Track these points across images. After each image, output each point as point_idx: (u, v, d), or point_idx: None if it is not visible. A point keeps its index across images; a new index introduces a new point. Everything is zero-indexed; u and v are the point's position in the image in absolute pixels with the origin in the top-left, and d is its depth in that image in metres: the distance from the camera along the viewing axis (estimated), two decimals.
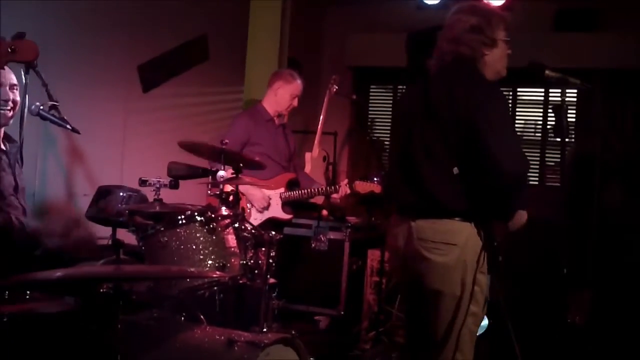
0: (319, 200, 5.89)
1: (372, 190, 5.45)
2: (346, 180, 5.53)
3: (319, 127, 6.38)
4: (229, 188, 4.13)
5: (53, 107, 3.59)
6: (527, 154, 7.09)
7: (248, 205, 5.17)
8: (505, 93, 7.28)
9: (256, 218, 5.19)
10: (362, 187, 5.46)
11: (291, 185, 5.44)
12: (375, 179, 5.52)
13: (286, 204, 5.38)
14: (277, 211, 5.32)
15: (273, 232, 3.82)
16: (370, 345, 5.57)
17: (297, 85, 5.40)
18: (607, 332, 5.07)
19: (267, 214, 5.26)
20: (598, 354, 4.85)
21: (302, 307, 5.74)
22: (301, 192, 5.42)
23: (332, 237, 5.77)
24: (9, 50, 2.64)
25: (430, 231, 3.20)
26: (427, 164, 3.21)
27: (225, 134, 5.11)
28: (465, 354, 3.22)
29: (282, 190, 5.34)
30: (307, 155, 6.52)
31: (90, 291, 2.87)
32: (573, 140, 6.57)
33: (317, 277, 5.81)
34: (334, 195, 5.71)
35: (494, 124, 3.06)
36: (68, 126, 3.65)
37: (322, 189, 5.53)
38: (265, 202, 5.21)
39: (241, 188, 4.87)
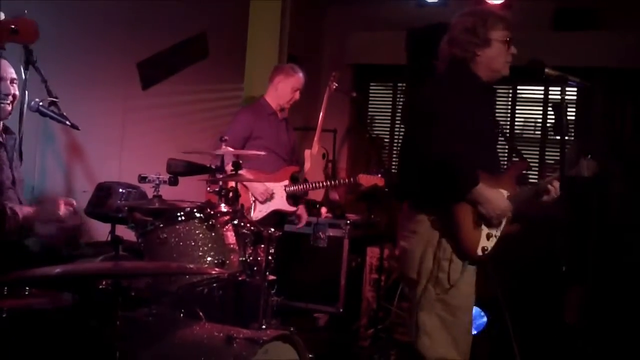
0: (319, 197, 5.89)
1: (376, 183, 5.48)
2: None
3: (318, 124, 6.39)
4: (231, 183, 4.15)
5: (52, 103, 3.60)
6: (526, 152, 7.21)
7: (252, 198, 5.17)
8: (504, 91, 7.36)
9: (261, 210, 5.20)
10: (366, 180, 5.50)
11: (294, 177, 5.46)
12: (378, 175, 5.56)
13: (290, 197, 5.39)
14: (281, 203, 5.33)
15: (272, 229, 3.82)
16: (369, 343, 5.58)
17: (299, 78, 5.39)
18: (605, 330, 5.09)
19: (271, 206, 5.26)
20: (596, 354, 4.86)
21: (301, 304, 5.74)
22: (305, 185, 5.44)
23: (331, 234, 5.77)
24: (11, 29, 2.53)
25: (404, 222, 3.41)
26: (403, 160, 3.53)
27: (226, 130, 5.10)
28: (437, 341, 3.29)
29: (286, 182, 5.35)
30: (307, 152, 6.52)
31: (90, 287, 2.87)
32: (573, 138, 6.58)
33: (316, 274, 5.81)
34: (333, 196, 5.77)
35: (430, 114, 3.22)
36: (67, 122, 3.66)
37: (325, 183, 5.59)
38: (267, 194, 5.21)
39: (244, 182, 4.90)
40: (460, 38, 3.38)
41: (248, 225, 3.87)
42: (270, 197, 5.23)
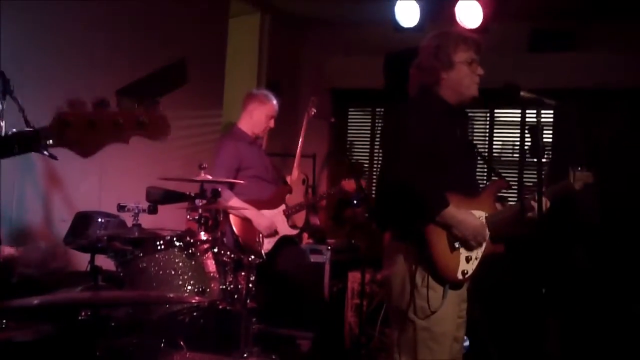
0: (299, 223, 5.89)
1: (355, 187, 5.57)
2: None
3: (298, 150, 6.39)
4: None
5: None
6: (505, 175, 7.23)
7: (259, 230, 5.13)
8: (482, 115, 7.41)
9: (270, 241, 5.18)
10: (349, 185, 5.59)
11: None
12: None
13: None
14: (285, 229, 5.34)
15: (252, 257, 3.80)
16: None
17: (272, 106, 5.36)
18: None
19: (278, 234, 5.27)
20: None
21: (283, 330, 5.70)
22: (300, 203, 5.50)
23: (312, 259, 5.76)
24: (139, 121, 2.01)
25: (386, 251, 3.39)
26: (378, 188, 3.62)
27: (213, 163, 5.05)
28: None
29: (283, 207, 5.34)
30: (287, 178, 6.54)
31: (69, 318, 2.85)
32: (550, 160, 6.62)
33: (297, 300, 5.78)
34: (313, 221, 5.79)
35: (392, 139, 3.28)
36: (45, 152, 3.63)
37: (316, 196, 5.87)
38: (272, 228, 5.19)
39: (247, 216, 4.93)
40: (426, 63, 3.37)
41: (228, 252, 3.86)
42: (275, 230, 5.24)
